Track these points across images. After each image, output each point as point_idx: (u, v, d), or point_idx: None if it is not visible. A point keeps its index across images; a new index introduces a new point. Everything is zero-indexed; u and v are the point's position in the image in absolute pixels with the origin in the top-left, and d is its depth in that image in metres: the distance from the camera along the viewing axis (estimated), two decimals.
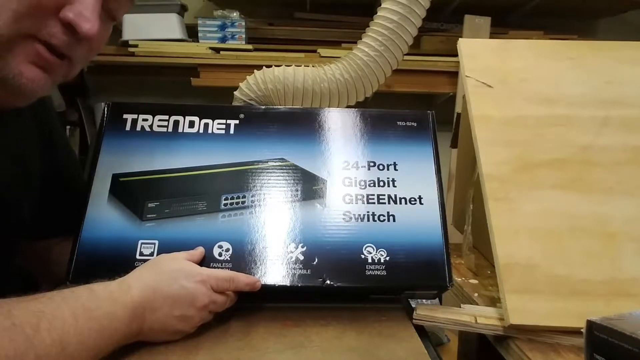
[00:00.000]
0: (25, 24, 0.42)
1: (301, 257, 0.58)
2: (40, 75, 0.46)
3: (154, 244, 0.58)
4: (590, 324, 0.41)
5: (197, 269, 0.54)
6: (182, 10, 1.74)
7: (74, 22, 0.43)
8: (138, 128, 0.65)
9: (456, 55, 0.74)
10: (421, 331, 0.57)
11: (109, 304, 0.47)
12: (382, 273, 0.58)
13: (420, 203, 0.62)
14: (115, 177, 0.62)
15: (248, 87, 1.11)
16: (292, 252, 0.58)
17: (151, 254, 0.57)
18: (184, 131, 0.65)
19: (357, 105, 1.10)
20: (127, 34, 1.67)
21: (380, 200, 0.62)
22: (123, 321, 0.47)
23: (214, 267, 0.57)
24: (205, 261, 0.57)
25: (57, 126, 0.68)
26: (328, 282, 0.57)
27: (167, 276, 0.52)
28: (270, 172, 0.64)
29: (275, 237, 0.59)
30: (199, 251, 0.57)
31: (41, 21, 0.43)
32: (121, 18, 0.52)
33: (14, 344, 0.38)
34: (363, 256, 0.58)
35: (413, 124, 0.67)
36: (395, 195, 0.62)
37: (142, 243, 0.58)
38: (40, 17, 0.42)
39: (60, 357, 0.41)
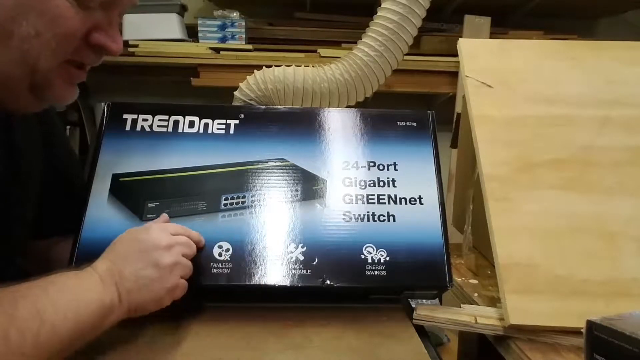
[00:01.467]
0: (64, 55, 0.48)
1: (301, 257, 0.58)
2: (73, 90, 0.53)
3: None
4: (590, 324, 0.41)
5: (144, 225, 0.55)
6: (182, 10, 1.74)
7: (105, 45, 0.50)
8: (138, 128, 0.65)
9: (456, 55, 0.74)
10: (421, 331, 0.57)
11: (74, 279, 0.47)
12: (382, 273, 0.58)
13: (420, 203, 0.62)
14: (115, 177, 0.62)
15: (248, 87, 1.11)
16: (292, 252, 0.58)
17: None
18: (184, 131, 0.65)
19: (357, 105, 1.10)
20: (127, 34, 1.67)
21: (380, 200, 0.62)
22: (95, 289, 0.47)
23: (214, 267, 0.57)
24: (205, 261, 0.57)
25: (57, 126, 0.68)
26: (328, 282, 0.57)
27: (119, 241, 0.53)
28: (270, 172, 0.64)
29: (275, 237, 0.59)
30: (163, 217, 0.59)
31: (74, 48, 0.49)
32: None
33: None
34: (363, 256, 0.58)
35: (413, 124, 0.67)
36: (395, 195, 0.62)
37: None
38: (73, 46, 0.49)
39: (42, 329, 0.41)
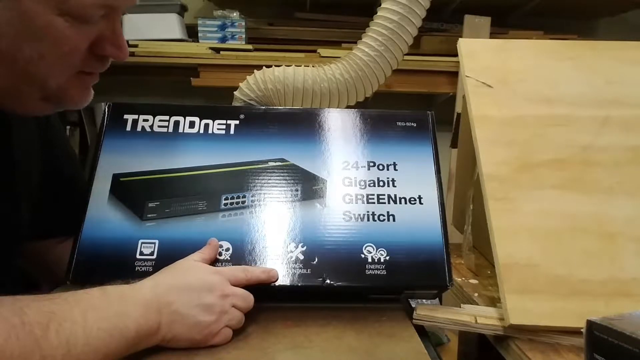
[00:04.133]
0: (73, 69, 0.50)
1: (301, 257, 0.58)
2: (88, 94, 0.54)
3: (154, 243, 0.58)
4: (590, 324, 0.41)
5: (211, 266, 0.54)
6: (182, 10, 1.74)
7: (112, 55, 0.52)
8: (138, 128, 0.65)
9: (456, 55, 0.74)
10: (421, 331, 0.57)
11: (120, 303, 0.46)
12: (382, 273, 0.58)
13: (420, 203, 0.62)
14: (116, 177, 0.62)
15: (248, 87, 1.11)
16: (292, 251, 0.58)
17: (151, 254, 0.57)
18: (185, 131, 0.66)
19: (357, 105, 1.10)
20: (127, 34, 1.67)
21: (380, 200, 0.62)
22: (134, 318, 0.46)
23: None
24: None
25: (56, 127, 0.68)
26: (328, 281, 0.57)
27: (180, 272, 0.52)
28: (270, 172, 0.64)
29: (275, 236, 0.59)
30: (212, 245, 0.57)
31: (83, 60, 0.50)
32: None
33: (21, 342, 0.38)
34: (363, 256, 0.58)
35: (413, 124, 0.67)
36: (395, 195, 0.62)
37: (142, 243, 0.58)
38: (80, 59, 0.50)
39: (66, 358, 0.41)
